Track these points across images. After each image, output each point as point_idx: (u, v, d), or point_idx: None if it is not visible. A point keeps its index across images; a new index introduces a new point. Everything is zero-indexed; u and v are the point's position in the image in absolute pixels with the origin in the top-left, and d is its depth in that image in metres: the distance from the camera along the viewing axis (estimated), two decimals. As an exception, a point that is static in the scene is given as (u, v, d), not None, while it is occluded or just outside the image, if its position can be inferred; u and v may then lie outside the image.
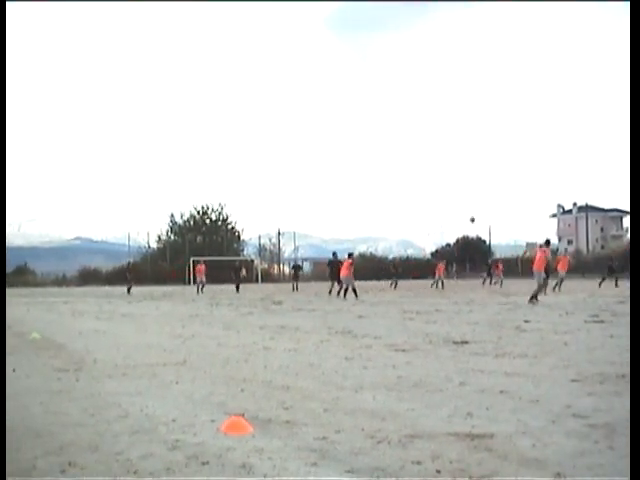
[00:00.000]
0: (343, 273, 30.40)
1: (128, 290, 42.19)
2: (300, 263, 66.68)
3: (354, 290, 29.41)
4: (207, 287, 42.57)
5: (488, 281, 48.85)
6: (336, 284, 32.76)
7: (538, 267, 24.66)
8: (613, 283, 40.24)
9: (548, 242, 26.70)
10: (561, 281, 35.46)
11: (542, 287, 24.09)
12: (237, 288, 42.38)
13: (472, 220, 63.01)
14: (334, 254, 36.06)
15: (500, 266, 48.99)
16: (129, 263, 51.45)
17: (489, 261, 55.36)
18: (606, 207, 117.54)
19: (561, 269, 35.78)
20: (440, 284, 44.03)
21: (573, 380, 7.71)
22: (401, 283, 50.49)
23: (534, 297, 23.30)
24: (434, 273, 47.37)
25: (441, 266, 48.00)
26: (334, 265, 34.35)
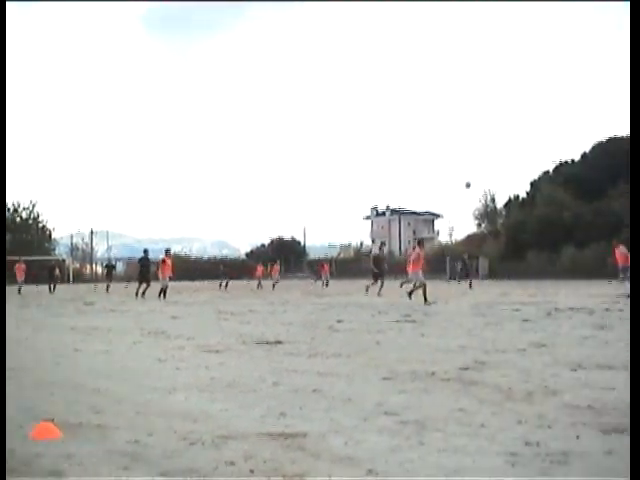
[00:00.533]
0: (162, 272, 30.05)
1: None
2: (113, 263, 65.42)
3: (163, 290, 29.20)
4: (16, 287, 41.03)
5: (318, 281, 49.56)
6: (144, 284, 32.06)
7: (415, 268, 25.15)
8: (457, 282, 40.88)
9: (420, 242, 27.25)
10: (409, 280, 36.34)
11: (424, 285, 24.52)
12: (52, 288, 41.40)
13: (468, 185, 62.70)
14: (145, 251, 34.97)
15: (326, 266, 49.57)
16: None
17: (317, 262, 55.91)
18: (418, 210, 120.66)
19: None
20: (259, 285, 44.58)
21: (384, 378, 7.85)
22: (215, 284, 50.41)
23: (425, 299, 23.65)
24: (252, 274, 47.68)
25: (260, 267, 48.24)
26: (145, 264, 33.57)
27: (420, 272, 24.55)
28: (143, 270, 33.19)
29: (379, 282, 28.66)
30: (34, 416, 6.01)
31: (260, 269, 48.94)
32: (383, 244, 32.50)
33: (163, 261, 31.03)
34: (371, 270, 29.88)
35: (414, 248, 27.74)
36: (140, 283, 32.26)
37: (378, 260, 30.05)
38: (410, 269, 25.11)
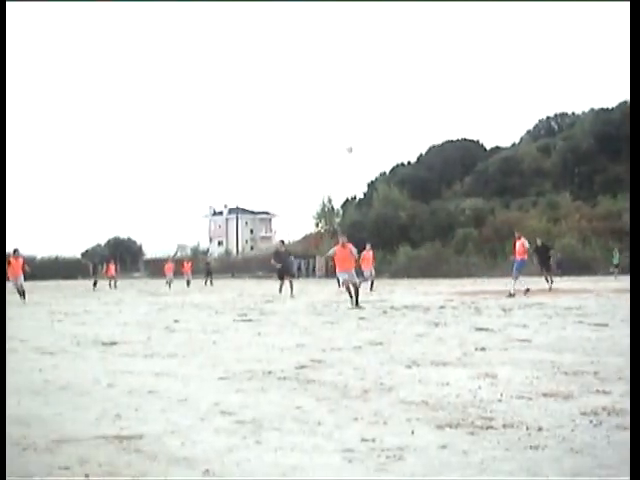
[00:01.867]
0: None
1: None
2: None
3: None
4: None
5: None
6: None
7: (366, 266, 30.52)
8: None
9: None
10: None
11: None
12: None
13: (350, 150, 61.98)
14: (15, 251, 33.78)
15: (188, 265, 48.86)
16: None
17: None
18: (256, 210, 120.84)
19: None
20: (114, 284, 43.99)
21: (221, 378, 7.84)
22: (49, 283, 49.23)
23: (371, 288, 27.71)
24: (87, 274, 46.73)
25: (112, 266, 47.20)
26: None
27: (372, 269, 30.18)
28: None
29: (285, 281, 28.19)
30: None
31: (112, 268, 47.77)
32: (282, 241, 32.05)
33: (8, 262, 29.67)
34: (275, 267, 29.17)
35: (366, 248, 30.74)
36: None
37: (280, 256, 29.14)
38: (363, 267, 29.41)
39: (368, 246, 31.71)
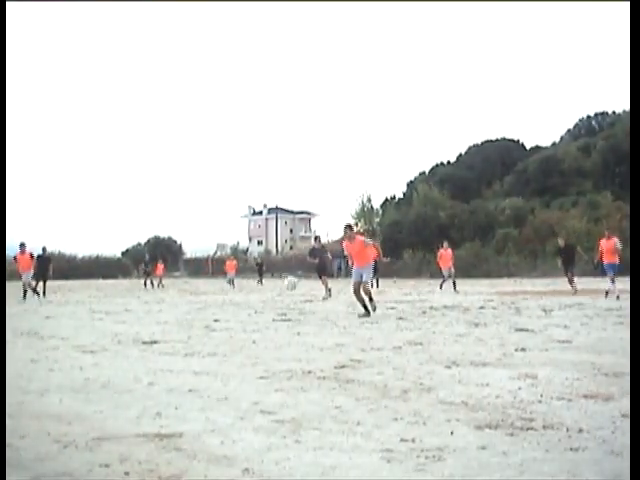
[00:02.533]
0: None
1: None
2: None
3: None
4: None
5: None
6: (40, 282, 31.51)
7: (445, 265, 29.83)
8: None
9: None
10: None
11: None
12: None
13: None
14: (44, 249, 34.22)
15: (232, 264, 48.34)
16: None
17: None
18: (295, 209, 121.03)
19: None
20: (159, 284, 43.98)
21: (261, 377, 7.85)
22: (90, 283, 49.59)
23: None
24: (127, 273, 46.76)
25: (160, 265, 47.16)
26: (43, 261, 32.92)
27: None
28: (41, 267, 32.47)
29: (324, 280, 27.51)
30: None
31: (161, 267, 47.67)
32: (317, 237, 31.32)
33: (15, 258, 29.39)
34: (314, 265, 28.65)
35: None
36: (38, 281, 31.56)
37: (315, 252, 28.01)
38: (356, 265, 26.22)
39: (445, 244, 30.94)
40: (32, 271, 28.66)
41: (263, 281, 47.66)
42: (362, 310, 16.81)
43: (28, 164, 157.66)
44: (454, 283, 29.41)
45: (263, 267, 51.78)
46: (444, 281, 29.68)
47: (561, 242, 27.30)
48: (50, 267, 32.63)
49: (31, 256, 28.94)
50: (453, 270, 30.20)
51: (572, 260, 26.44)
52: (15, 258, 28.77)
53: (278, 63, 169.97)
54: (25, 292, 27.65)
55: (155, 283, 44.39)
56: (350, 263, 19.01)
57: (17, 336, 13.05)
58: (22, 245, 29.34)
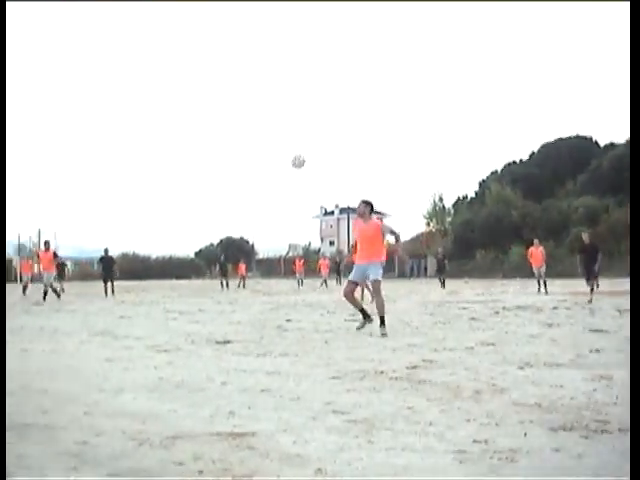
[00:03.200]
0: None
1: None
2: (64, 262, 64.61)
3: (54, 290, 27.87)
4: None
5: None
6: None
7: (537, 263, 28.55)
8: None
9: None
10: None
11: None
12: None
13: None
14: (106, 250, 34.82)
15: (300, 263, 48.15)
16: None
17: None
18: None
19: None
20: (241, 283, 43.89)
21: (333, 377, 7.86)
22: (163, 283, 50.05)
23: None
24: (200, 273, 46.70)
25: (242, 265, 46.94)
26: (106, 262, 33.53)
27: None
28: (105, 268, 32.98)
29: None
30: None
31: (243, 267, 47.39)
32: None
33: (37, 255, 28.75)
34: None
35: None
36: (105, 281, 32.04)
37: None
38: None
39: (536, 241, 30.38)
40: (54, 271, 28.15)
41: (342, 280, 47.53)
42: (361, 318, 13.72)
43: (105, 169, 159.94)
44: (544, 283, 28.54)
45: (341, 266, 51.62)
46: (539, 281, 28.87)
47: (585, 237, 24.23)
48: (114, 267, 33.05)
49: (54, 255, 28.23)
50: (544, 269, 29.35)
51: (594, 262, 23.22)
52: (38, 256, 27.95)
53: (350, 62, 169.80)
54: (45, 293, 26.93)
55: (238, 283, 44.31)
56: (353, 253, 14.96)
57: (92, 335, 13.24)
58: (47, 243, 29.10)
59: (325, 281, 42.70)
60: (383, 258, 13.62)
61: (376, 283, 13.17)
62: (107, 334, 13.44)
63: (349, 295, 13.64)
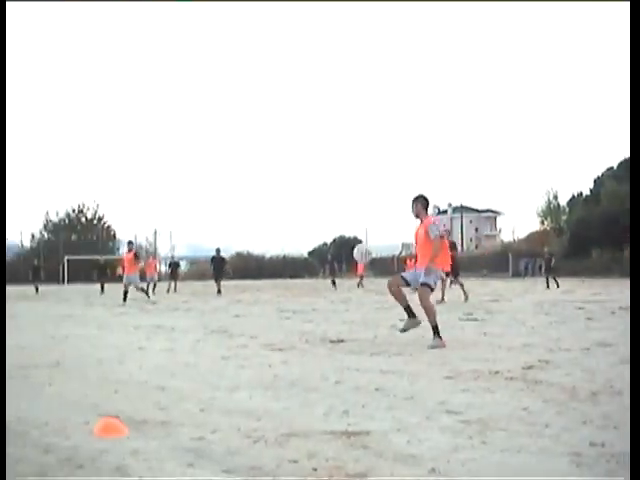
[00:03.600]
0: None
1: (36, 289, 40.65)
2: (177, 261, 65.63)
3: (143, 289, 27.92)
4: (81, 287, 40.87)
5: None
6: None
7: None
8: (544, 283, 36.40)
9: None
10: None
11: None
12: (102, 288, 38.84)
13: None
14: (218, 250, 35.31)
15: (411, 263, 47.31)
16: (34, 261, 47.09)
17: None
18: (480, 208, 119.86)
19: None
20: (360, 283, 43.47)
21: (447, 377, 7.82)
22: (277, 282, 50.41)
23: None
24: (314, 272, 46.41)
25: (362, 265, 46.23)
26: (217, 262, 34.09)
27: None
28: (216, 267, 33.52)
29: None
30: (99, 413, 6.09)
31: (362, 267, 46.48)
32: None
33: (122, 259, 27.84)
34: None
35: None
36: (216, 280, 32.54)
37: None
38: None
39: None
40: (137, 273, 28.07)
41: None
42: (405, 317, 12.26)
43: (222, 168, 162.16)
44: None
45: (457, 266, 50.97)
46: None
47: None
48: (226, 267, 33.41)
49: (135, 256, 27.71)
50: None
51: None
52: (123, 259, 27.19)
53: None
54: (125, 294, 26.39)
55: (358, 283, 43.97)
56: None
57: (208, 334, 13.44)
58: (130, 243, 29.20)
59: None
60: (437, 263, 11.83)
61: (420, 288, 11.71)
62: (222, 332, 13.62)
63: (393, 287, 12.16)
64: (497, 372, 8.04)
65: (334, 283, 42.11)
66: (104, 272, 41.67)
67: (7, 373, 8.62)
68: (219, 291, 32.12)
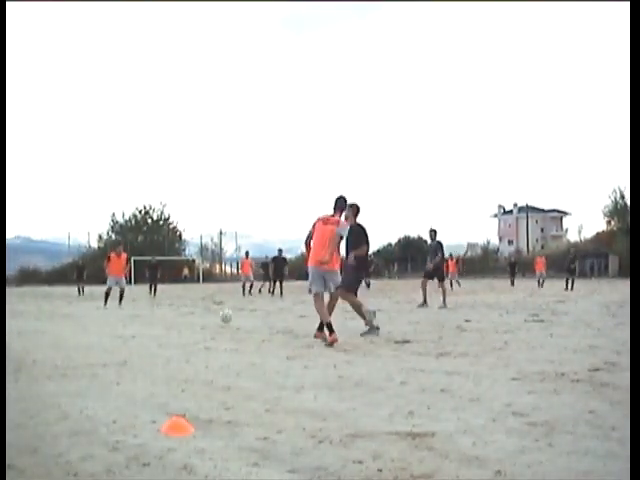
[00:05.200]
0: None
1: (80, 290, 40.77)
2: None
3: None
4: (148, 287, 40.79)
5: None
6: (276, 282, 32.79)
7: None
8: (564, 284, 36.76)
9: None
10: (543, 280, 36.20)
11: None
12: (152, 289, 38.63)
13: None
14: (280, 251, 35.48)
15: (452, 264, 46.58)
16: (78, 262, 46.38)
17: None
18: (546, 208, 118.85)
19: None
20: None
21: (513, 379, 7.78)
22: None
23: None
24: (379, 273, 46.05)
25: (452, 262, 45.39)
26: (278, 262, 34.27)
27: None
28: (276, 268, 33.72)
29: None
30: (166, 412, 6.17)
31: (453, 265, 45.50)
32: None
33: (108, 258, 26.58)
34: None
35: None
36: (274, 281, 32.74)
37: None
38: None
39: None
40: (251, 274, 28.76)
41: (515, 281, 46.78)
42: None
43: (287, 169, 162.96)
44: None
45: (516, 267, 50.62)
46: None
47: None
48: (285, 268, 33.61)
49: (127, 258, 27.43)
50: None
51: None
52: (109, 258, 26.45)
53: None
54: (244, 290, 28.48)
55: (453, 282, 43.37)
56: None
57: (273, 334, 13.51)
58: (118, 243, 31.12)
59: (454, 281, 41.76)
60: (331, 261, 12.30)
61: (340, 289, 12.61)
62: (287, 333, 13.69)
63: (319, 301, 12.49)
64: (563, 374, 7.98)
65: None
66: (155, 273, 40.62)
67: (76, 372, 8.77)
68: (281, 292, 32.25)
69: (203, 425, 5.66)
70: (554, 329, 13.46)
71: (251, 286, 35.93)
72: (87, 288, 43.32)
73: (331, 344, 11.28)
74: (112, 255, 25.67)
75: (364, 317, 13.13)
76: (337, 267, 12.44)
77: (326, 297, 12.52)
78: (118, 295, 24.61)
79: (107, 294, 24.67)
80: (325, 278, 12.32)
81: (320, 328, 12.56)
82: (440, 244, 22.95)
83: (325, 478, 4.28)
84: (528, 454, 4.71)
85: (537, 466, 4.44)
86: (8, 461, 4.66)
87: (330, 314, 12.33)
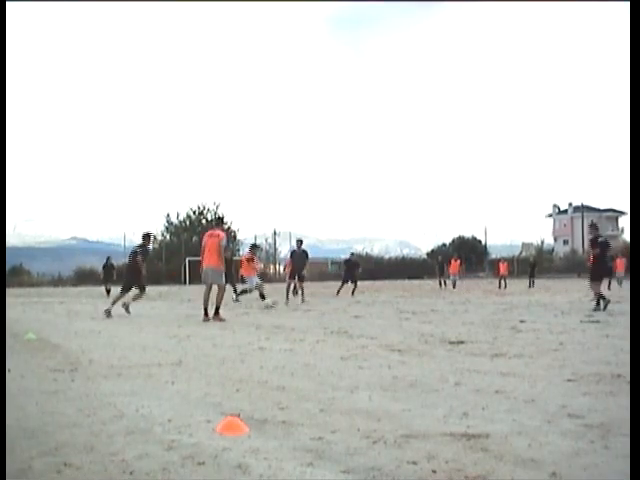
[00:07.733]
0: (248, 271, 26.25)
1: (107, 292, 37.50)
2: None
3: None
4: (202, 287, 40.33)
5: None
6: (350, 284, 33.08)
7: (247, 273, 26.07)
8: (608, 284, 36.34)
9: (254, 245, 29.44)
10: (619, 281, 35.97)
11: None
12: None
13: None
14: (352, 254, 36.18)
15: (504, 266, 46.20)
16: (108, 261, 43.24)
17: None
18: (601, 207, 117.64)
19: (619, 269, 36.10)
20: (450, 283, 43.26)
21: (568, 380, 7.71)
22: (396, 283, 50.31)
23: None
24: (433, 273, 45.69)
25: (503, 265, 45.16)
26: (350, 265, 34.60)
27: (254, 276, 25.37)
28: (348, 270, 34.06)
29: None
30: (221, 411, 6.20)
31: (456, 265, 45.43)
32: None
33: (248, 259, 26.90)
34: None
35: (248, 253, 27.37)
36: (344, 282, 33.12)
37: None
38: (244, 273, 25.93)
39: None
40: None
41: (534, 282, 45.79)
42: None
43: (347, 171, 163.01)
44: None
45: (535, 268, 49.59)
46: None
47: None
48: (357, 270, 33.90)
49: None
50: None
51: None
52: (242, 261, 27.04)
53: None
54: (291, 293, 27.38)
55: (499, 283, 43.02)
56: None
57: (327, 334, 13.51)
58: (255, 246, 30.61)
59: (502, 282, 41.37)
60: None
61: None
62: (342, 333, 13.68)
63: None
64: (619, 375, 7.89)
65: (440, 283, 42.32)
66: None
67: (132, 371, 8.86)
68: (352, 293, 32.60)
69: (258, 425, 5.69)
70: (610, 330, 13.32)
71: (295, 286, 35.65)
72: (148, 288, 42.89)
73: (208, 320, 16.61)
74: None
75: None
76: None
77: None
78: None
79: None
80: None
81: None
82: (607, 242, 21.34)
83: (379, 479, 4.27)
84: (584, 456, 4.66)
85: (593, 468, 4.40)
86: (65, 459, 4.72)
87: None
